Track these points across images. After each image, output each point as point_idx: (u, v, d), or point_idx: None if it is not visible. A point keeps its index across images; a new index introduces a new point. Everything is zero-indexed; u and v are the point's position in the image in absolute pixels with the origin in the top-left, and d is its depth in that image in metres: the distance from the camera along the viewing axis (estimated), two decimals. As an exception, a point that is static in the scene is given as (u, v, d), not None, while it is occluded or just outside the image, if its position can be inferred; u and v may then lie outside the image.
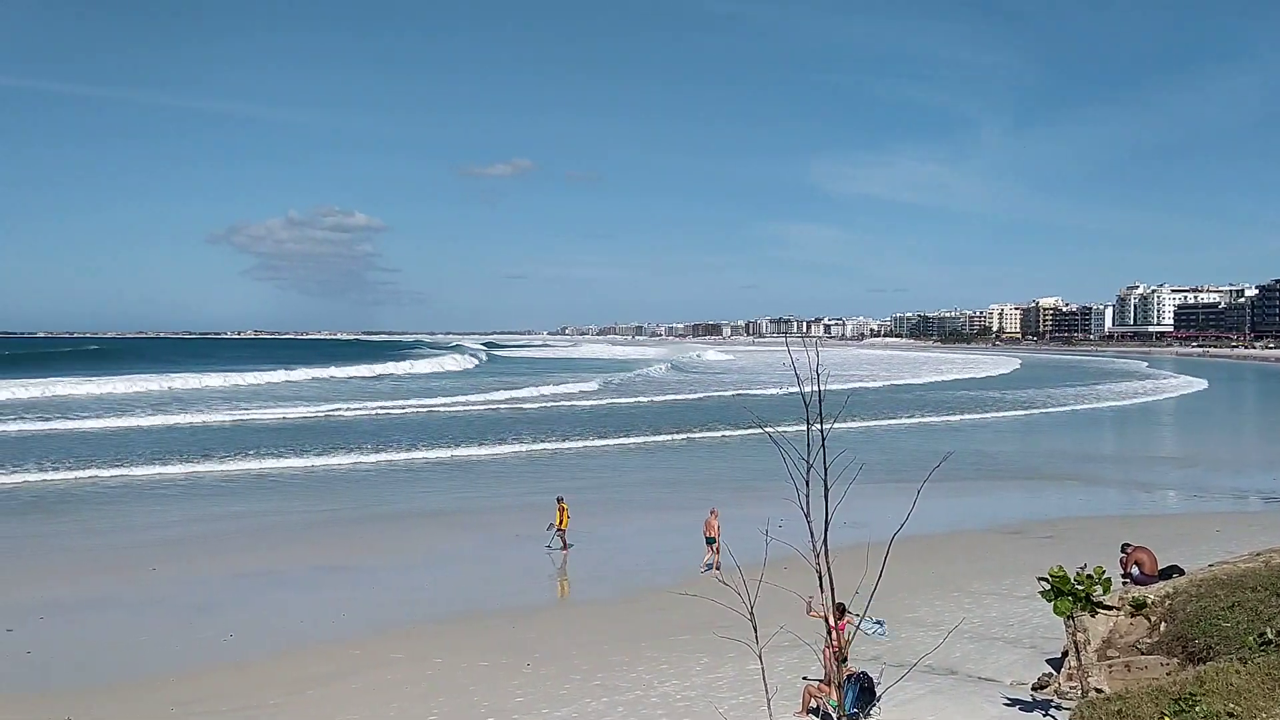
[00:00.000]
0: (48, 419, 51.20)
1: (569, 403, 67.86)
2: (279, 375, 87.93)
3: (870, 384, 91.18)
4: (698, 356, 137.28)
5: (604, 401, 69.07)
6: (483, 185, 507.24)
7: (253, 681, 14.69)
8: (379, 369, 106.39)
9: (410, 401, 66.76)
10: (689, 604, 16.89)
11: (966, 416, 60.90)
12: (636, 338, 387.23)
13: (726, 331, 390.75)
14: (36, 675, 15.23)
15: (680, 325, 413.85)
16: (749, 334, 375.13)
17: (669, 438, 47.07)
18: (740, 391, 79.09)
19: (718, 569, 20.02)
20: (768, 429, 5.53)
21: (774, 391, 73.52)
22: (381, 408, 62.28)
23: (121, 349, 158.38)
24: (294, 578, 21.23)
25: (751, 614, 5.37)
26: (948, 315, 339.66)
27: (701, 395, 77.03)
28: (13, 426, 48.10)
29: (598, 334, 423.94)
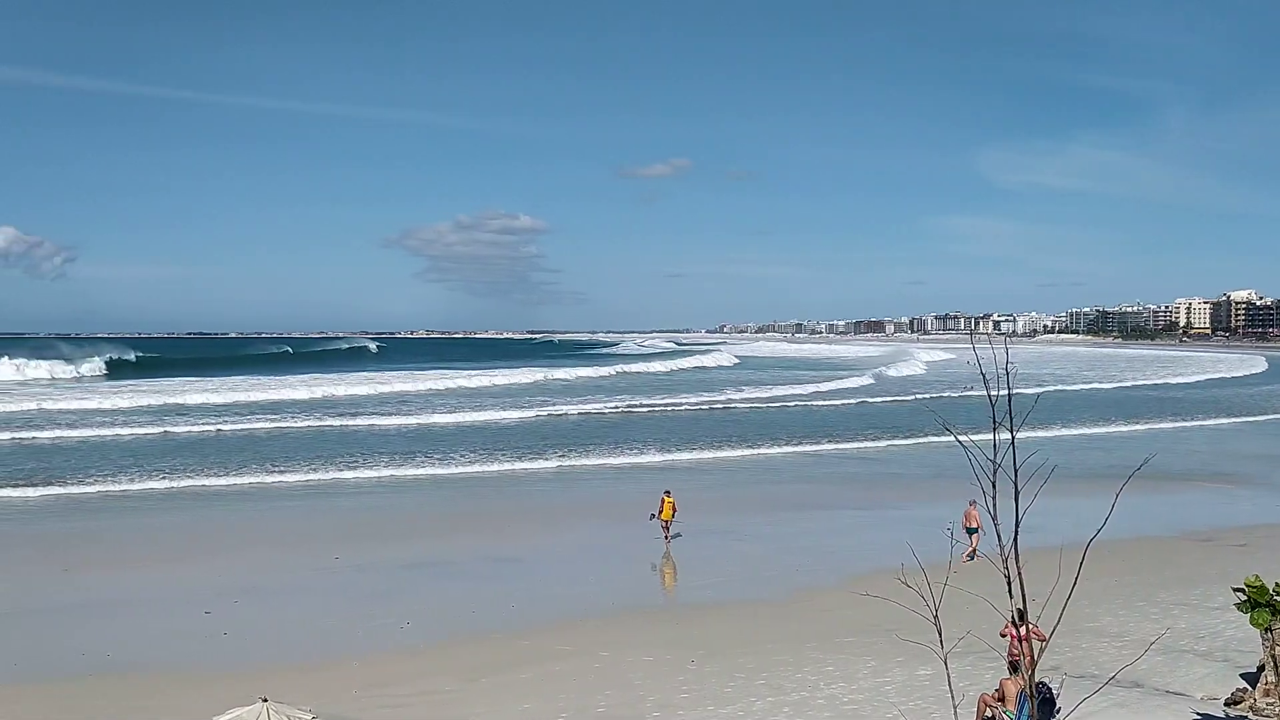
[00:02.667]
0: (346, 415, 53.40)
1: (859, 399, 67.69)
2: (539, 374, 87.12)
3: (1100, 385, 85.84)
4: (918, 354, 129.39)
5: (889, 399, 67.97)
6: (642, 186, 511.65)
7: (428, 668, 15.23)
8: (644, 367, 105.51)
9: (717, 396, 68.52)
10: (854, 605, 16.64)
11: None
12: (796, 335, 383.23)
13: (890, 329, 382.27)
14: (231, 654, 16.21)
15: (841, 323, 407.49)
16: (913, 331, 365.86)
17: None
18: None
19: (970, 559, 20.27)
20: (958, 436, 5.34)
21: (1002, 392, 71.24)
22: (702, 403, 64.23)
23: (358, 351, 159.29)
24: (464, 568, 21.92)
25: (936, 617, 5.21)
26: (1128, 310, 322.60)
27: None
28: (309, 423, 50.10)
29: (755, 332, 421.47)
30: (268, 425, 48.73)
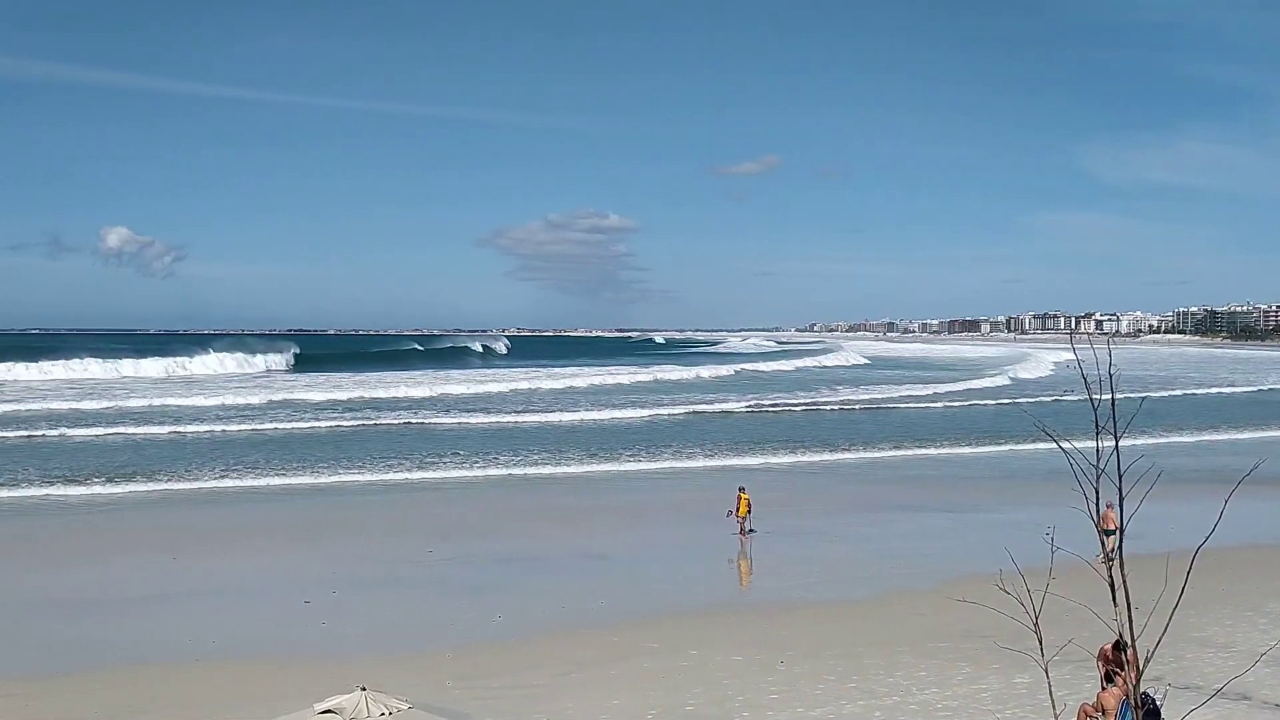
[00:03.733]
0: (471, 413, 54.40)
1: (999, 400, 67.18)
2: (657, 373, 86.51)
3: (1209, 389, 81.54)
4: (1041, 355, 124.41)
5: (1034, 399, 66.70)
6: (731, 183, 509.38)
7: (520, 661, 15.45)
8: (765, 366, 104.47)
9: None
10: (948, 609, 16.38)
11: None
12: (888, 334, 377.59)
13: (985, 328, 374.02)
14: (330, 644, 16.66)
15: (935, 322, 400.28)
16: (1009, 330, 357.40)
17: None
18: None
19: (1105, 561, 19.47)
20: (1058, 440, 5.24)
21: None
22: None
23: (488, 350, 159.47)
24: (555, 563, 22.17)
25: (1036, 624, 5.12)
26: (1238, 310, 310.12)
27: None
28: (450, 419, 51.55)
29: (846, 331, 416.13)
30: (451, 421, 50.23)
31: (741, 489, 24.68)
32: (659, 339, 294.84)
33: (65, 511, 27.95)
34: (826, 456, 39.96)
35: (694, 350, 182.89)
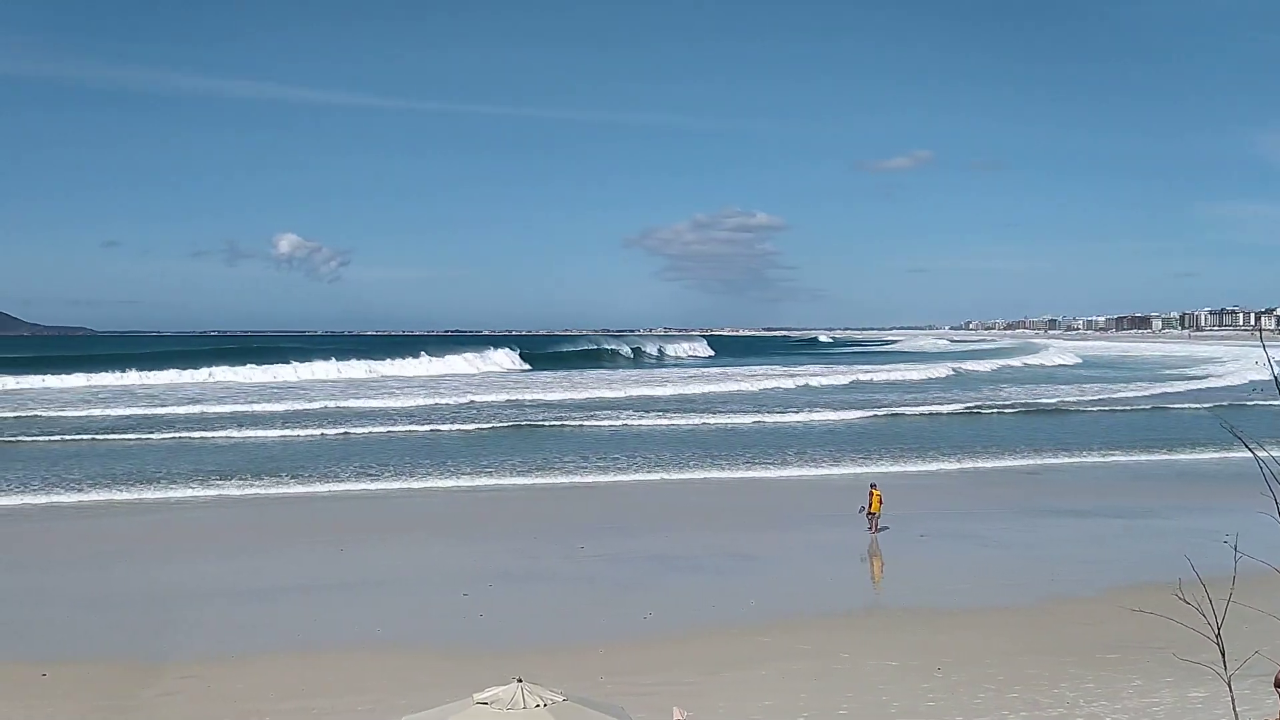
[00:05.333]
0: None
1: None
2: (855, 374, 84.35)
3: None
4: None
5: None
6: (881, 179, 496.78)
7: (671, 659, 15.52)
8: (988, 365, 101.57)
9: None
10: (1116, 618, 15.65)
11: None
12: (1049, 332, 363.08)
13: (1157, 325, 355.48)
14: (486, 634, 17.12)
15: (1100, 319, 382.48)
16: (1183, 327, 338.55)
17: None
18: None
19: None
20: (1248, 444, 4.92)
21: None
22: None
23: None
24: (703, 563, 22.18)
25: (1219, 636, 4.83)
26: None
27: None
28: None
29: (1004, 329, 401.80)
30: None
31: (873, 485, 25.24)
32: (824, 338, 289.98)
33: (239, 505, 29.60)
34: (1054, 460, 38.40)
35: (871, 350, 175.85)
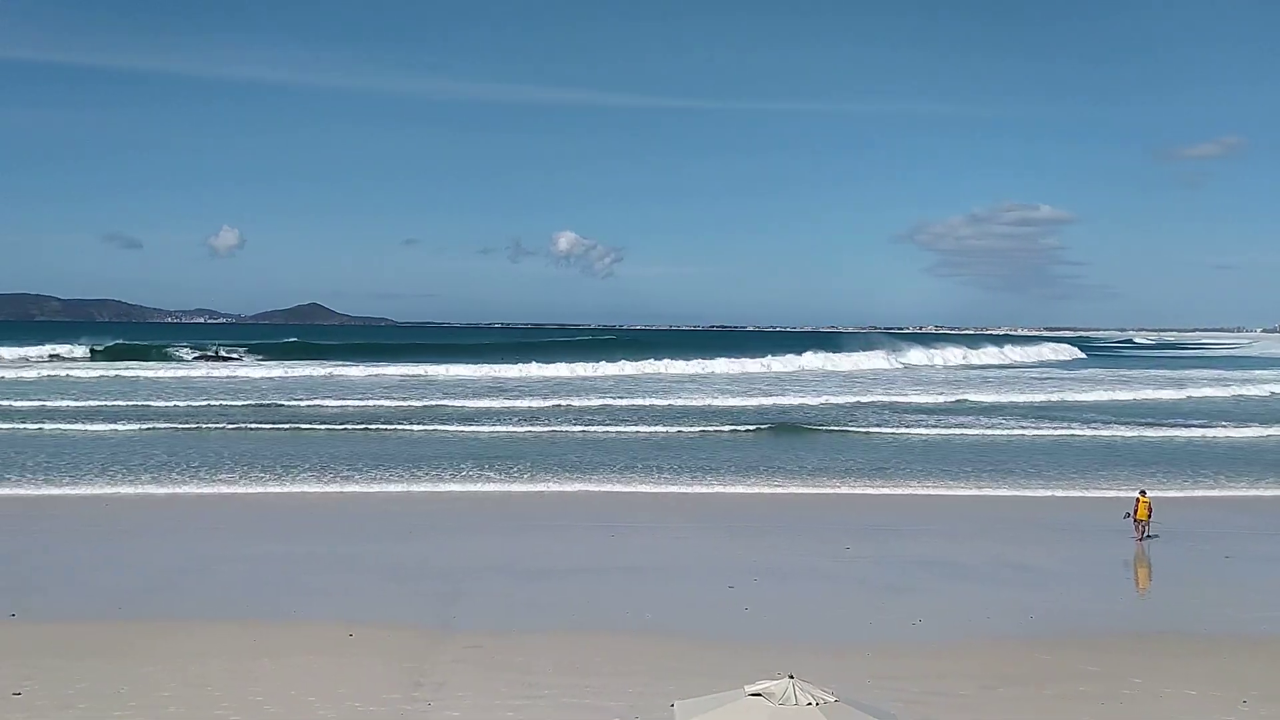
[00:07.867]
0: None
1: None
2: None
3: None
4: None
5: None
6: (1184, 168, 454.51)
7: (942, 668, 14.97)
8: None
9: None
10: None
11: None
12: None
13: None
14: (752, 628, 17.18)
15: None
16: None
17: None
18: None
19: None
20: None
21: None
22: None
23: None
24: (977, 570, 21.27)
25: None
26: None
27: None
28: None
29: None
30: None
31: (1142, 492, 24.90)
32: (1139, 339, 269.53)
33: (515, 500, 31.27)
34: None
35: (1215, 355, 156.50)
